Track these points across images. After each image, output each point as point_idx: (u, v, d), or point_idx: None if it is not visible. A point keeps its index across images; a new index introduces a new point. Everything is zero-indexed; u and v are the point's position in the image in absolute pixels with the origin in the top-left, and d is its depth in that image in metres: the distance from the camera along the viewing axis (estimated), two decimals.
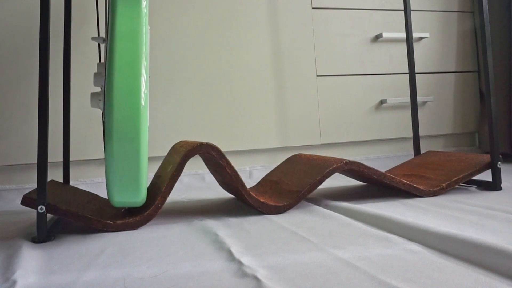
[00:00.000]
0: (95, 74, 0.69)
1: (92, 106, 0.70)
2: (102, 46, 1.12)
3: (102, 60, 1.13)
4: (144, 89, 0.62)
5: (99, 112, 1.12)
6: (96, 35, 1.12)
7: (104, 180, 1.13)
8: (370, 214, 0.66)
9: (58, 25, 1.08)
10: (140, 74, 0.62)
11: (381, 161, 1.34)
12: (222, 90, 1.21)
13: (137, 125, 0.62)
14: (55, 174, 1.09)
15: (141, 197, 0.67)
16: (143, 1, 0.63)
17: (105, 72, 0.62)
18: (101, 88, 0.69)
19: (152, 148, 1.15)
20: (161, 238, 0.62)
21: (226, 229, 0.65)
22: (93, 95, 0.69)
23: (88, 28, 1.12)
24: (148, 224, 0.70)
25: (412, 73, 1.11)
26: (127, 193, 0.65)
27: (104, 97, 0.62)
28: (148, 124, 0.66)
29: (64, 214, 0.64)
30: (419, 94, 1.37)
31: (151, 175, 1.12)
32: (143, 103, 0.62)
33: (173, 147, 0.84)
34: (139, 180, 0.65)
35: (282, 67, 1.26)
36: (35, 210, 0.62)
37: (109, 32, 0.62)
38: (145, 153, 0.64)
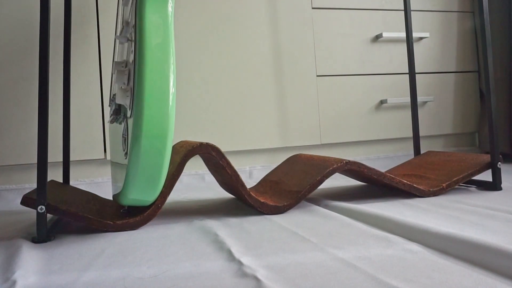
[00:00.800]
0: (118, 71, 0.71)
1: (118, 101, 0.71)
2: (103, 46, 1.12)
3: (103, 59, 1.13)
4: (172, 89, 0.64)
5: (99, 112, 1.12)
6: (97, 35, 1.12)
7: (104, 180, 1.13)
8: (370, 214, 0.66)
9: (58, 25, 1.08)
10: (169, 75, 0.64)
11: (381, 161, 1.34)
12: (222, 90, 1.21)
13: (165, 124, 0.64)
14: (55, 174, 1.09)
15: (154, 196, 0.68)
16: (169, 1, 0.65)
17: (134, 70, 0.64)
18: (121, 87, 0.71)
19: None
20: (161, 238, 0.62)
21: (226, 229, 0.65)
22: (121, 90, 0.71)
23: (88, 28, 1.11)
24: (148, 224, 0.70)
25: (412, 73, 1.11)
26: (145, 190, 0.66)
27: (133, 95, 0.64)
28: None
29: (64, 214, 0.64)
30: (419, 94, 1.37)
31: None
32: (171, 103, 0.64)
33: (173, 147, 0.84)
34: (160, 178, 0.66)
35: (282, 67, 1.26)
36: (35, 210, 0.62)
37: (138, 32, 0.64)
38: (169, 151, 0.66)
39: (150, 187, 0.66)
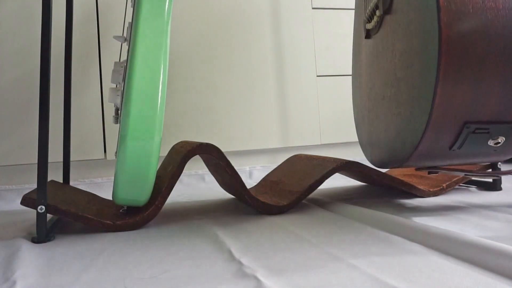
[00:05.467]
0: (113, 71, 0.71)
1: (109, 101, 0.71)
2: (103, 46, 1.12)
3: (103, 59, 1.13)
4: (161, 91, 0.64)
5: (99, 112, 1.12)
6: (97, 35, 1.12)
7: (104, 180, 1.13)
8: (370, 214, 0.66)
9: (59, 25, 1.08)
10: (159, 77, 0.64)
11: None
12: (222, 90, 1.21)
13: (153, 126, 0.64)
14: (55, 174, 1.09)
15: (145, 197, 0.67)
16: (167, 2, 0.65)
17: (125, 69, 0.64)
18: (116, 86, 0.71)
19: None
20: (161, 238, 0.62)
21: (226, 229, 0.65)
22: (112, 90, 0.71)
23: (89, 28, 1.11)
24: (148, 224, 0.70)
25: None
26: (133, 191, 0.66)
27: (123, 94, 0.64)
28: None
29: (64, 214, 0.64)
30: None
31: None
32: (159, 104, 0.64)
33: (173, 148, 0.85)
34: (147, 179, 0.66)
35: (282, 67, 1.26)
36: (35, 210, 0.62)
37: (132, 32, 0.64)
38: (157, 153, 0.65)
39: (139, 187, 0.66)
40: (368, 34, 0.81)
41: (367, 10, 0.79)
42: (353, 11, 1.32)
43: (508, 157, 0.66)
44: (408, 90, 0.63)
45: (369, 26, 0.78)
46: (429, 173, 0.73)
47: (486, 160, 0.68)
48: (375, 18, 0.75)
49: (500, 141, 0.60)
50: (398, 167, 0.72)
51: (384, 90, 0.72)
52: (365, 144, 0.87)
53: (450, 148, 0.62)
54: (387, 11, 0.70)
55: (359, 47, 0.89)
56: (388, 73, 0.70)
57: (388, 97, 0.71)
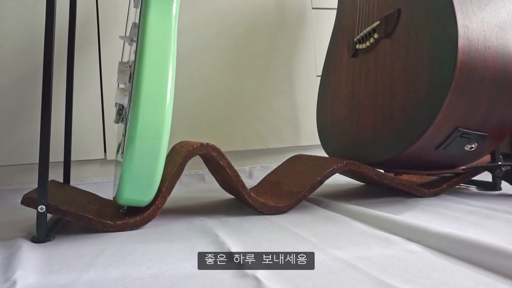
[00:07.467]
0: (118, 71, 0.72)
1: (117, 100, 0.71)
2: (103, 46, 1.12)
3: (103, 59, 1.13)
4: (169, 92, 0.64)
5: (99, 112, 1.12)
6: (97, 35, 1.12)
7: (104, 180, 1.14)
8: (370, 214, 0.66)
9: (62, 25, 1.08)
10: (167, 77, 0.64)
11: None
12: (222, 90, 1.21)
13: (161, 126, 0.64)
14: (55, 174, 1.09)
15: (150, 197, 0.68)
16: (174, 4, 0.65)
17: (133, 70, 0.65)
18: (118, 85, 0.71)
19: None
20: (161, 238, 0.62)
21: (226, 229, 0.65)
22: (120, 90, 0.71)
23: (90, 28, 1.11)
24: (148, 224, 0.70)
25: None
26: (139, 191, 0.66)
27: (131, 94, 0.64)
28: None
29: (64, 214, 0.64)
30: None
31: None
32: (167, 105, 0.64)
33: (173, 148, 0.85)
34: (154, 179, 0.66)
35: (282, 67, 1.26)
36: (35, 210, 0.62)
37: (140, 33, 0.64)
38: (164, 153, 0.65)
39: (145, 187, 0.66)
40: (356, 53, 0.93)
41: (361, 33, 0.90)
42: None
43: (467, 163, 0.82)
44: (411, 97, 0.75)
45: (361, 46, 0.90)
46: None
47: (455, 163, 0.81)
48: (371, 40, 0.87)
49: (473, 146, 0.74)
50: (382, 164, 0.82)
51: (374, 98, 0.85)
52: (330, 141, 1.03)
53: (437, 148, 0.74)
54: (388, 35, 0.82)
55: (338, 61, 1.03)
56: (382, 85, 0.83)
57: (379, 104, 0.83)
